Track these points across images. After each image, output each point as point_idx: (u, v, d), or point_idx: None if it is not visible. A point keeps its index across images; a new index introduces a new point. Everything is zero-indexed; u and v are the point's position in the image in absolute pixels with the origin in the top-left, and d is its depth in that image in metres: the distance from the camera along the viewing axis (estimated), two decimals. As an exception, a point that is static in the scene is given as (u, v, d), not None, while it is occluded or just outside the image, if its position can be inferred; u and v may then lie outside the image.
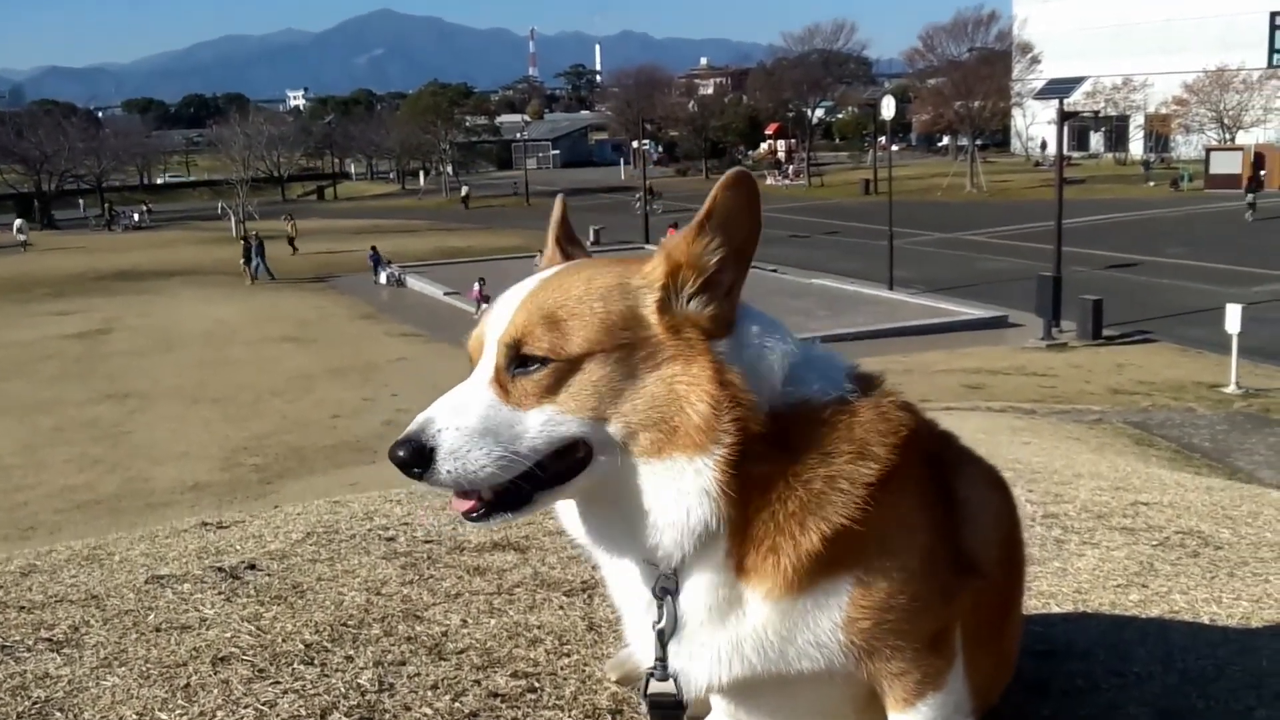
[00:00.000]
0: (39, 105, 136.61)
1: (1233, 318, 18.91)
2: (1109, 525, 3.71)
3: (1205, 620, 2.84)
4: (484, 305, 22.12)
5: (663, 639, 1.62)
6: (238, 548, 3.31)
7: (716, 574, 1.58)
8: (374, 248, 38.62)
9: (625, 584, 1.67)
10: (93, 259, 46.90)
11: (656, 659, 1.63)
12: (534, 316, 1.55)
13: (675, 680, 1.63)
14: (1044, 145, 75.45)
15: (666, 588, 1.60)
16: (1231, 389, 18.10)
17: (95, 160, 73.84)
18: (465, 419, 1.53)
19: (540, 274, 1.65)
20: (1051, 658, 2.53)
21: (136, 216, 64.17)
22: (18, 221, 56.99)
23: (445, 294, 34.04)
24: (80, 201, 70.21)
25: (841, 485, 1.57)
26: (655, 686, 1.64)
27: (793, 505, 1.55)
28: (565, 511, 1.71)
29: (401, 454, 1.54)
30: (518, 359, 1.54)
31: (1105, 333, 24.42)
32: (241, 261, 40.06)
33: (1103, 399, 17.04)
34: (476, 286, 29.56)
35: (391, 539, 3.39)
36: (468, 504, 1.56)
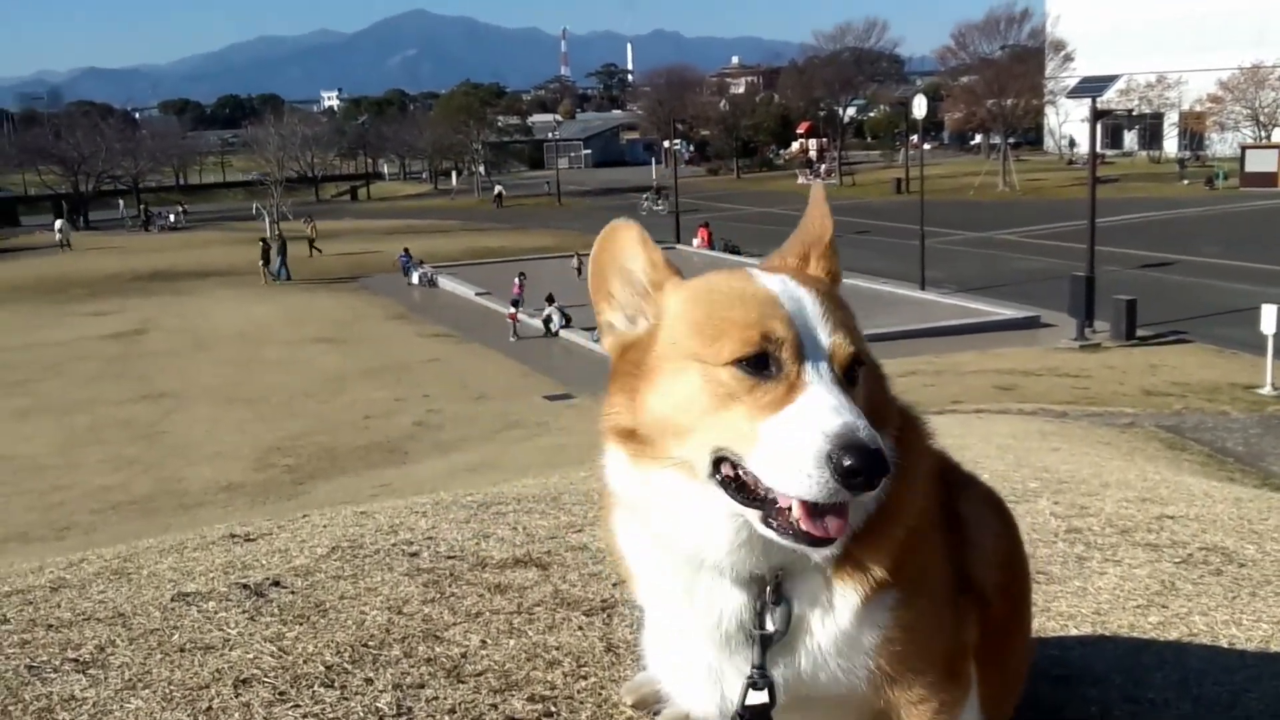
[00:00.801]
0: (76, 106, 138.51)
1: (1269, 318, 18.66)
2: (1133, 541, 3.69)
3: (1224, 644, 2.82)
4: (521, 303, 22.16)
5: (765, 645, 1.58)
6: (263, 563, 3.36)
7: (813, 583, 1.57)
8: (406, 250, 38.71)
9: (704, 597, 1.59)
10: (129, 259, 47.48)
11: (755, 667, 1.59)
12: (855, 331, 1.53)
13: (771, 688, 1.58)
14: (1072, 143, 74.78)
15: (780, 595, 1.56)
16: (1267, 390, 17.88)
17: (132, 161, 74.71)
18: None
19: (802, 285, 1.56)
20: (1067, 683, 2.52)
21: (172, 217, 64.91)
22: (58, 222, 57.98)
23: (477, 294, 34.19)
24: (119, 203, 71.04)
25: (907, 501, 1.57)
26: (753, 697, 1.59)
27: (875, 519, 1.54)
28: (634, 523, 1.64)
29: (871, 459, 1.35)
30: (848, 372, 1.49)
31: (1139, 333, 24.17)
32: (260, 262, 40.24)
33: (1136, 401, 16.87)
34: (517, 282, 29.71)
35: (415, 554, 3.42)
36: (839, 523, 1.42)
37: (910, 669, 1.63)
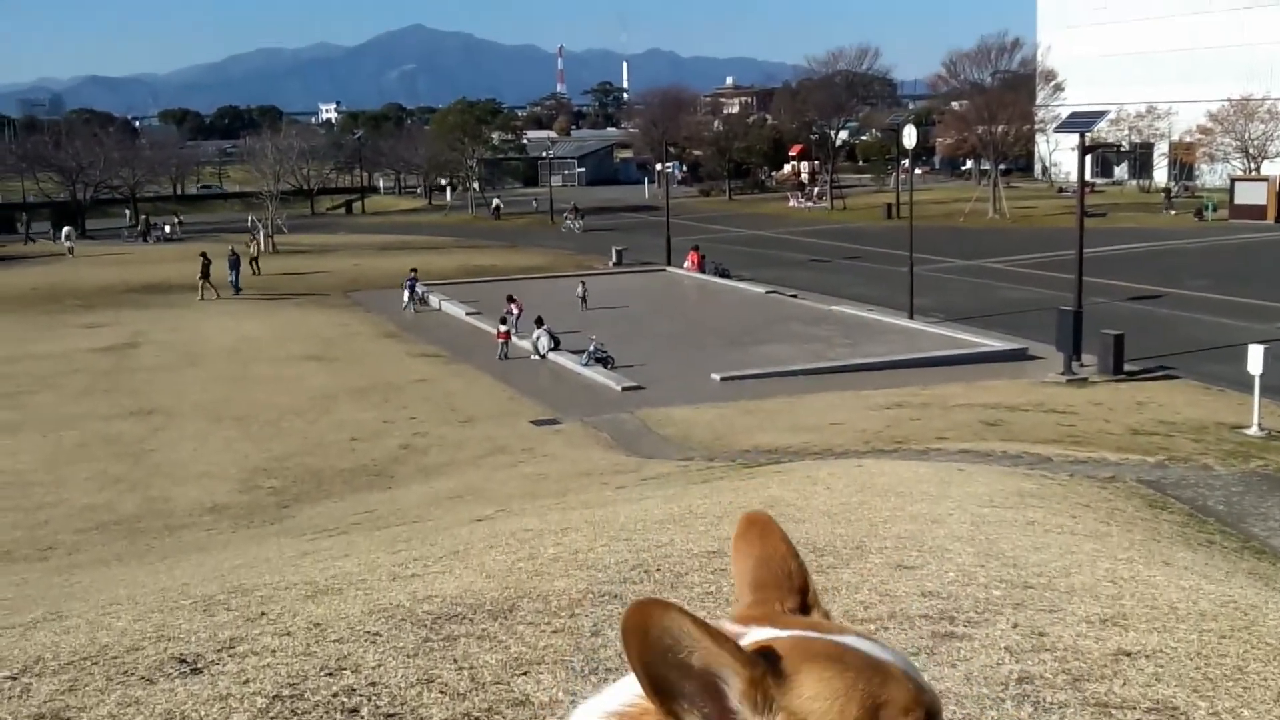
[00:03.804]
0: (77, 114, 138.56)
1: (1255, 359, 18.81)
2: (1083, 697, 3.56)
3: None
4: (516, 315, 22.26)
5: None
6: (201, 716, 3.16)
7: None
8: (414, 272, 37.61)
9: None
10: (124, 271, 47.48)
11: None
12: None
13: None
14: (1045, 169, 74.82)
15: None
16: (1254, 430, 17.99)
17: (130, 171, 74.71)
18: None
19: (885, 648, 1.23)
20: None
21: (168, 228, 64.91)
22: (66, 229, 58.18)
23: (467, 314, 34.27)
24: (126, 212, 70.99)
25: None
26: None
27: None
28: None
29: None
30: None
31: (1127, 368, 24.32)
32: (199, 278, 39.31)
33: (1122, 440, 16.99)
34: (511, 306, 29.65)
35: (355, 710, 3.27)
36: None
37: None
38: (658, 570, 4.60)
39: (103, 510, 16.59)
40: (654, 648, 1.12)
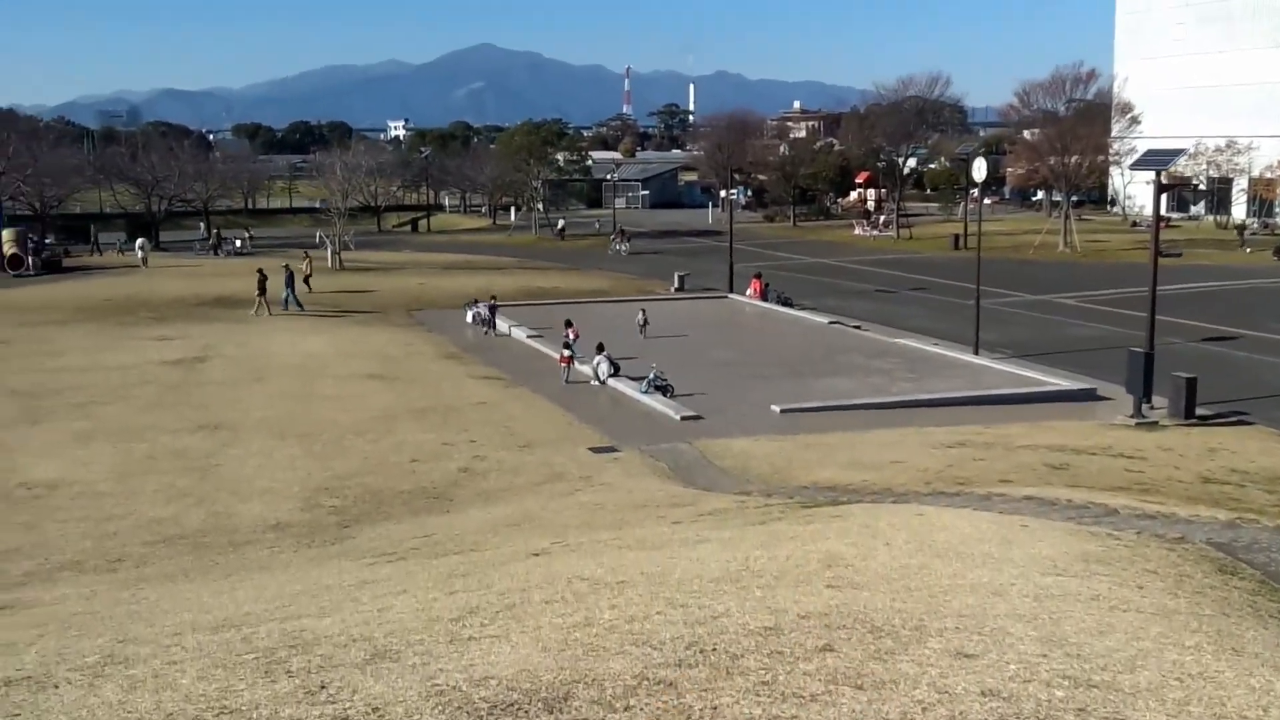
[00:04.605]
0: (154, 127, 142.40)
1: (1332, 408, 18.28)
2: None
3: None
4: (573, 340, 22.34)
5: None
6: None
7: None
8: (494, 298, 37.48)
9: None
10: (195, 283, 48.51)
11: None
12: None
13: None
14: (1113, 202, 73.15)
15: None
16: (1328, 482, 17.46)
17: (204, 184, 76.47)
18: None
19: None
20: None
21: (238, 242, 66.24)
22: (140, 240, 59.91)
23: (528, 336, 34.46)
24: (202, 225, 72.65)
25: None
26: None
27: None
28: None
29: None
30: None
31: (1199, 412, 23.75)
32: (257, 294, 40.00)
33: (1191, 489, 16.57)
34: (569, 331, 29.53)
35: None
36: None
37: None
38: (713, 651, 4.53)
39: (169, 523, 16.88)
40: None
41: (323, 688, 3.90)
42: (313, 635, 4.64)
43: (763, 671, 4.41)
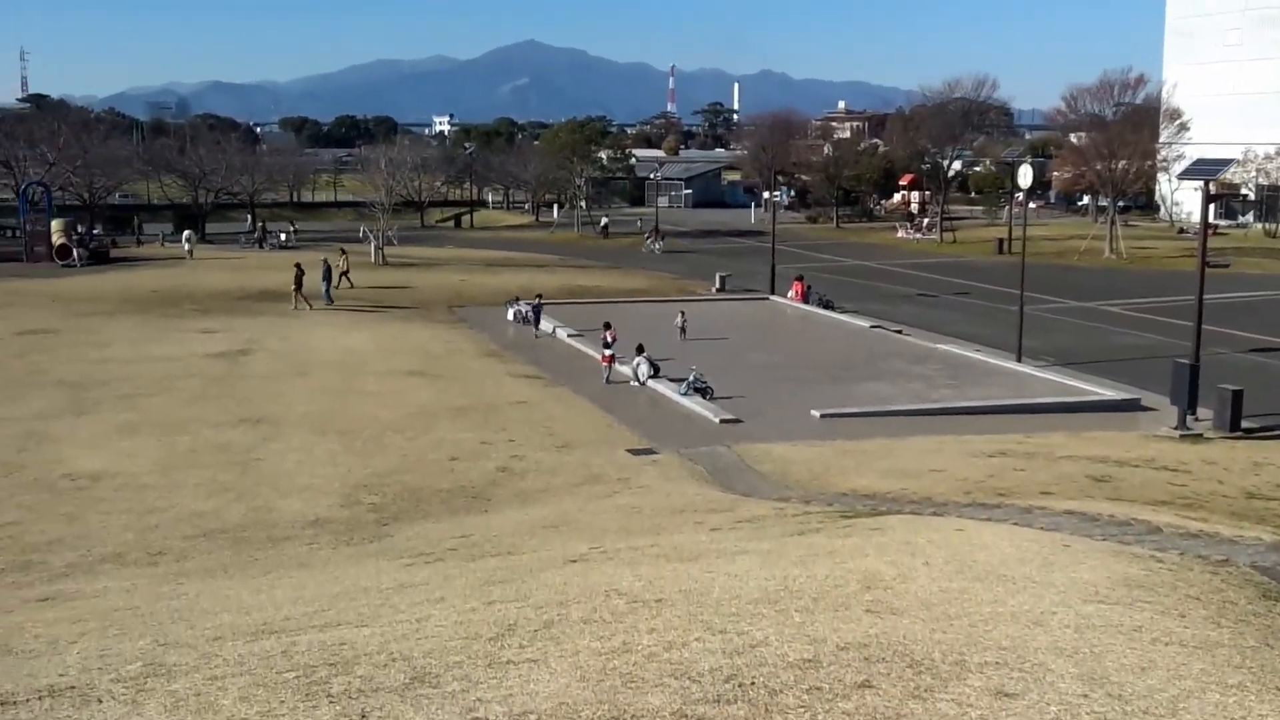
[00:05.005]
0: (202, 119, 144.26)
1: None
2: None
3: None
4: (612, 340, 22.17)
5: None
6: None
7: None
8: (539, 296, 37.29)
9: None
10: (240, 276, 49.06)
11: None
12: None
13: None
14: (1159, 208, 71.68)
15: None
16: (1379, 501, 17.10)
17: (250, 177, 77.34)
18: None
19: None
20: None
21: (283, 236, 66.89)
22: (186, 233, 60.91)
23: (569, 335, 34.53)
24: (249, 218, 73.52)
25: None
26: None
27: None
28: None
29: None
30: None
31: (1244, 424, 23.37)
32: (293, 288, 40.18)
33: (1236, 504, 16.29)
34: (608, 334, 29.01)
35: None
36: None
37: None
38: (751, 685, 4.50)
39: (210, 518, 17.08)
40: None
41: (363, 716, 3.92)
42: (352, 651, 4.67)
43: (801, 710, 4.37)
